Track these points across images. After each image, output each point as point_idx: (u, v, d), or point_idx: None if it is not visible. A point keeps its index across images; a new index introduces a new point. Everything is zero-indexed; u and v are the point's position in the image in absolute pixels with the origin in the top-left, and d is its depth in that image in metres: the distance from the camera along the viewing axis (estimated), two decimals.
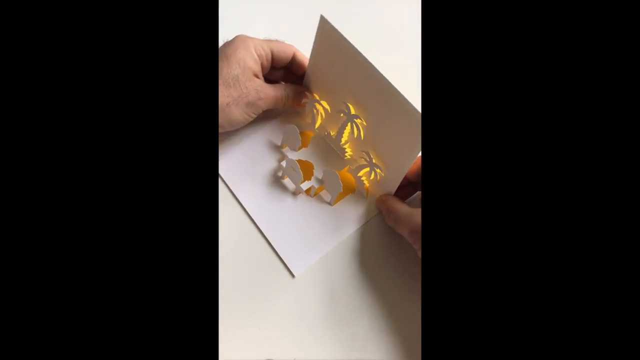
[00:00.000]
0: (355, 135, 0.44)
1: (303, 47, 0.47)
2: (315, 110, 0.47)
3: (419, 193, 0.45)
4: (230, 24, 0.48)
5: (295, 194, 0.46)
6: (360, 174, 0.45)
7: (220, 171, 0.46)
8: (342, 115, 0.45)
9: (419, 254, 0.39)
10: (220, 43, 0.45)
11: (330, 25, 0.41)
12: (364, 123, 0.43)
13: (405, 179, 0.42)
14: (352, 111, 0.43)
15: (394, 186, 0.43)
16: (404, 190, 0.44)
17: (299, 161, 0.45)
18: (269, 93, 0.45)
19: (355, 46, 0.40)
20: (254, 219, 0.44)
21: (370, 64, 0.39)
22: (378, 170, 0.43)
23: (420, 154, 0.39)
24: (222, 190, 0.46)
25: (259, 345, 0.39)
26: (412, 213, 0.40)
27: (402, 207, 0.42)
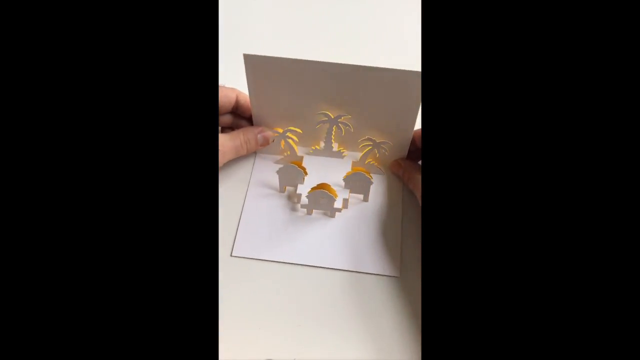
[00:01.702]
0: (344, 133, 0.45)
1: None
2: (288, 140, 0.46)
3: None
4: None
5: (332, 216, 0.45)
6: (367, 160, 0.46)
7: (253, 255, 0.43)
8: (319, 126, 0.45)
9: None
10: None
11: (260, 57, 0.40)
12: (349, 116, 0.44)
13: (414, 144, 0.45)
14: (332, 116, 0.44)
15: (405, 148, 0.45)
16: (414, 155, 0.46)
17: (321, 186, 0.44)
18: (227, 144, 0.43)
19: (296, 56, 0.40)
20: (325, 265, 0.43)
21: (323, 62, 0.39)
22: (384, 146, 0.45)
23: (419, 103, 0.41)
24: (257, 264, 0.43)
25: (259, 345, 0.39)
26: None
27: (417, 174, 0.44)
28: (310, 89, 0.42)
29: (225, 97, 0.44)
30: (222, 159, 0.43)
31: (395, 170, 0.47)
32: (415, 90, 0.39)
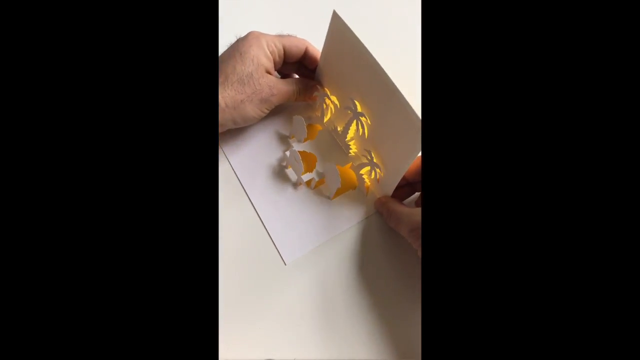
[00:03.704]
0: (361, 133, 0.45)
1: (316, 41, 0.47)
2: (324, 105, 0.48)
3: (416, 194, 0.46)
4: (241, 20, 0.49)
5: (296, 184, 0.47)
6: (362, 172, 0.46)
7: (230, 160, 0.48)
8: (349, 112, 0.45)
9: (419, 253, 0.39)
10: (234, 39, 0.46)
11: (342, 22, 0.42)
12: (368, 122, 0.43)
13: (404, 179, 0.43)
14: (359, 109, 0.44)
15: (391, 187, 0.43)
16: (402, 191, 0.44)
17: (303, 153, 0.46)
18: (282, 88, 0.46)
19: (366, 45, 0.41)
20: (255, 206, 0.46)
21: (378, 64, 0.40)
22: (378, 170, 0.44)
23: (419, 153, 0.39)
24: (231, 178, 0.47)
25: (259, 345, 0.39)
26: (411, 212, 0.41)
27: (401, 208, 0.42)
28: (359, 78, 0.43)
29: (295, 47, 0.47)
30: (274, 100, 0.46)
31: (377, 207, 0.45)
32: (418, 136, 0.38)
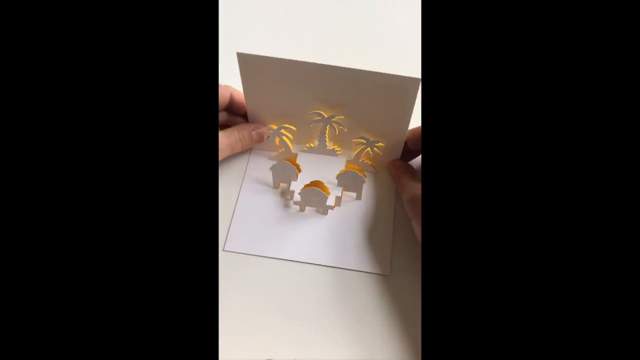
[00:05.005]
0: (337, 133, 0.45)
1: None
2: (283, 137, 0.47)
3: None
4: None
5: (325, 214, 0.46)
6: (361, 159, 0.47)
7: (245, 250, 0.44)
8: (312, 125, 0.45)
9: (413, 223, 0.42)
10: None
11: (253, 56, 0.41)
12: (342, 116, 0.44)
13: (406, 146, 0.45)
14: (326, 115, 0.44)
15: (398, 150, 0.45)
16: (407, 156, 0.47)
17: (313, 184, 0.45)
18: (221, 141, 0.44)
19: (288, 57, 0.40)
20: (314, 262, 0.43)
21: (315, 64, 0.40)
22: (378, 144, 0.45)
23: (412, 104, 0.41)
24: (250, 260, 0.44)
25: (259, 345, 0.39)
26: (413, 186, 0.43)
27: (406, 178, 0.44)
28: (304, 89, 0.42)
29: (219, 95, 0.44)
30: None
31: (391, 170, 0.47)
32: (407, 94, 0.40)
